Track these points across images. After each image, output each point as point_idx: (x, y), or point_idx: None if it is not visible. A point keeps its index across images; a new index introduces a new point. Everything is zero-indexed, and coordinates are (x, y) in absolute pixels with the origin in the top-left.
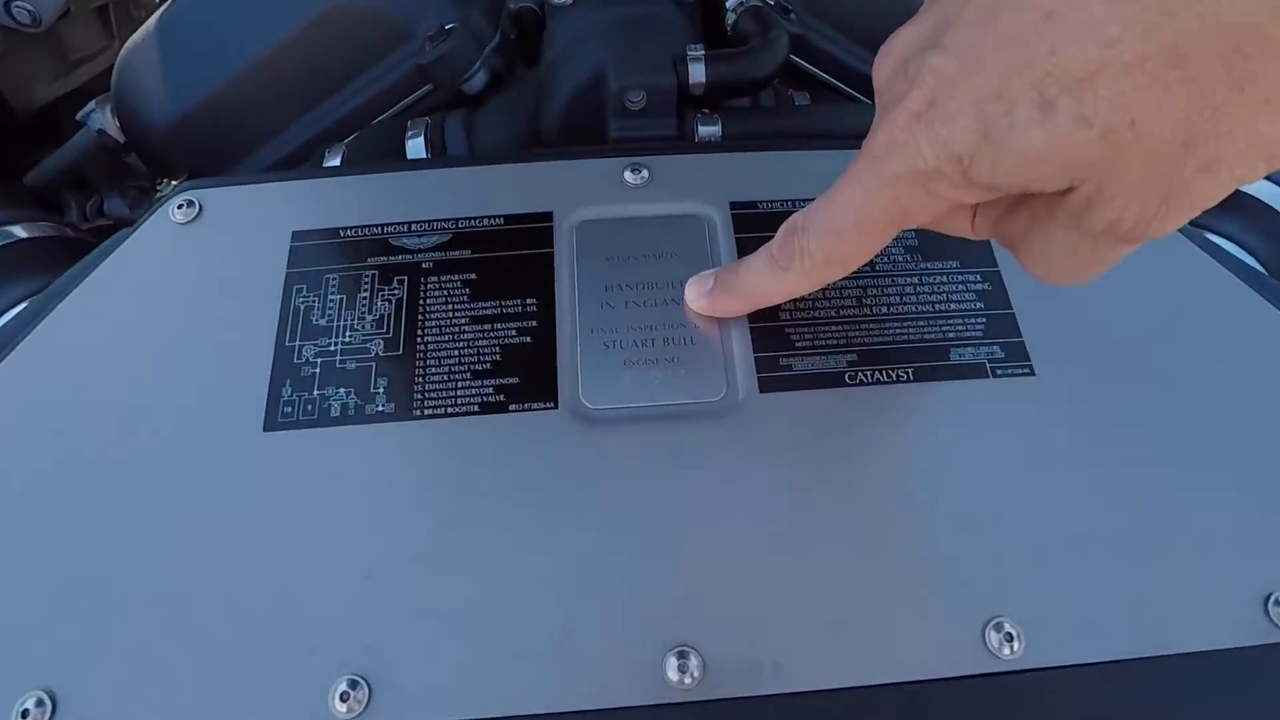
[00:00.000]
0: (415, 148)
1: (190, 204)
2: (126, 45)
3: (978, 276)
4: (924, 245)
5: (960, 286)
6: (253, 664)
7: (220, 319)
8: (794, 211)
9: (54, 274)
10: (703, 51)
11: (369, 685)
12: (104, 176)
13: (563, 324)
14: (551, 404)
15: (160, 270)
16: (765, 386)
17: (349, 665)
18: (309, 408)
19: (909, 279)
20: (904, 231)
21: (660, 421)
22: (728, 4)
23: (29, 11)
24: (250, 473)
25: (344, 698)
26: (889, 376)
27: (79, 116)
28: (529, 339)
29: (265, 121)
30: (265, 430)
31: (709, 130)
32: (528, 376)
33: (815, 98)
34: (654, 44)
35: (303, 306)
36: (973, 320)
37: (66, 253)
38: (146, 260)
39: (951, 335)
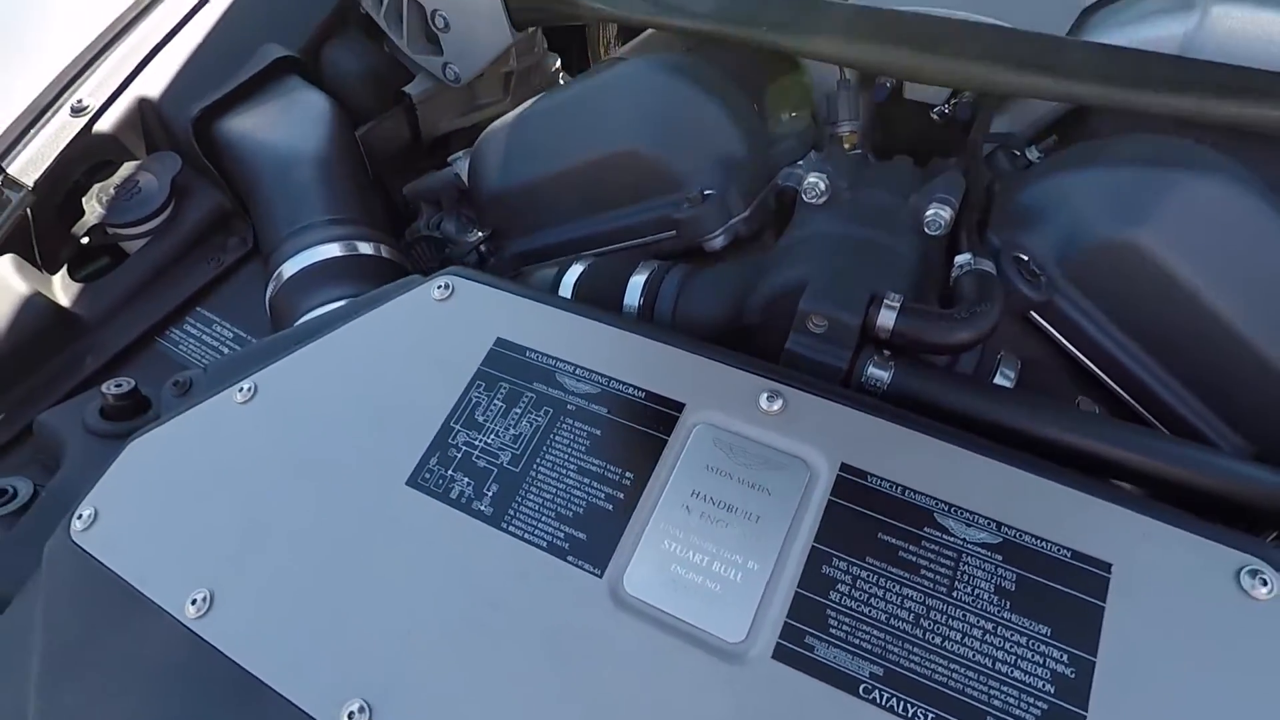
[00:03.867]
0: (634, 285)
1: (447, 286)
2: (491, 126)
3: (1065, 656)
4: (1020, 595)
5: (1037, 657)
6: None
7: (421, 386)
8: (898, 497)
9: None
10: (900, 302)
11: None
12: (450, 203)
13: (643, 508)
14: (599, 571)
15: (406, 332)
16: (780, 655)
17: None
18: (439, 482)
19: (982, 621)
20: (1002, 568)
21: (674, 636)
22: (958, 259)
23: (456, 73)
24: (379, 513)
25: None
26: (904, 712)
27: (449, 159)
28: (611, 507)
29: (549, 215)
30: (407, 484)
31: (877, 374)
32: (594, 538)
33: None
34: (865, 275)
35: (474, 400)
36: (1030, 700)
37: (388, 272)
38: (401, 322)
39: (996, 703)
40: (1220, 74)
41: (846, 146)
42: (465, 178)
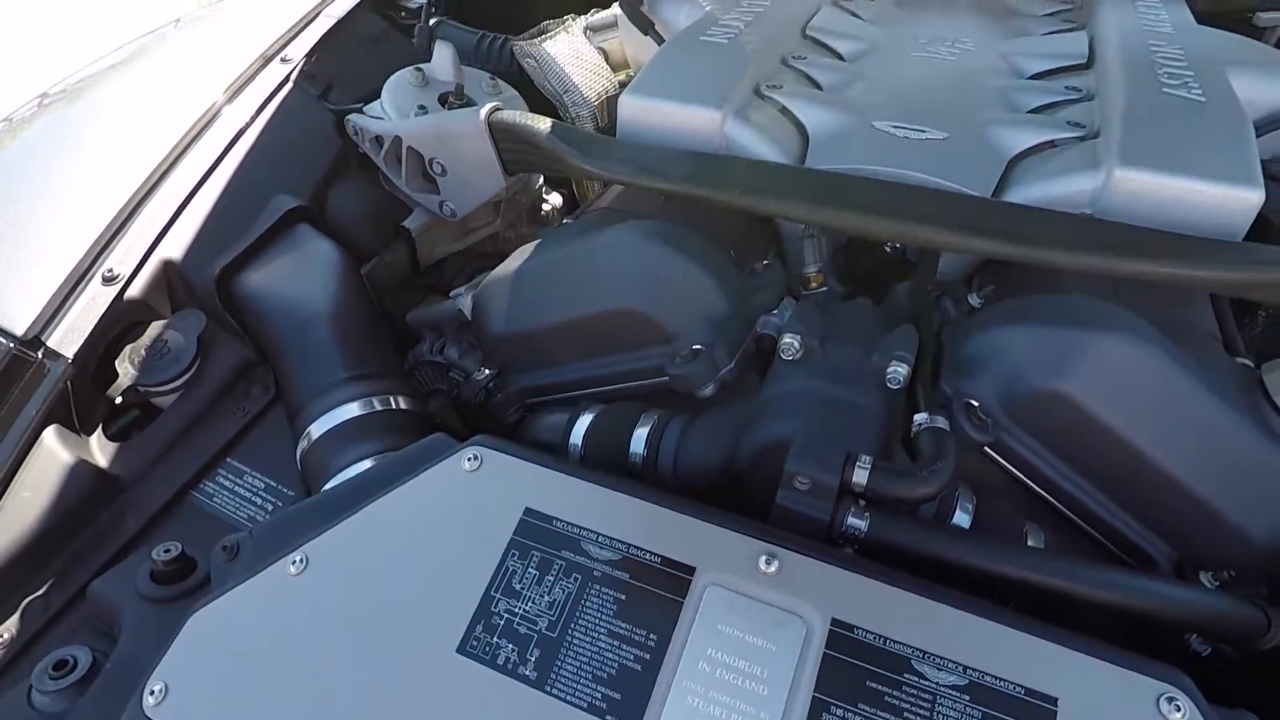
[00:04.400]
0: (639, 438)
1: (476, 458)
2: (492, 275)
3: None
4: None
5: None
6: None
7: (461, 556)
8: (881, 647)
9: (397, 441)
10: (870, 463)
11: None
12: (452, 332)
13: (667, 667)
14: None
15: (442, 503)
16: None
17: None
18: (487, 648)
19: None
20: (970, 706)
21: None
22: (916, 418)
23: (452, 209)
24: (436, 679)
25: None
26: None
27: (450, 294)
28: (640, 667)
29: (551, 358)
30: (457, 651)
31: (856, 524)
32: (626, 697)
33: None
34: (839, 435)
35: (511, 569)
36: None
37: (412, 427)
38: (437, 493)
39: None
40: (1121, 235)
41: (814, 285)
42: (467, 312)
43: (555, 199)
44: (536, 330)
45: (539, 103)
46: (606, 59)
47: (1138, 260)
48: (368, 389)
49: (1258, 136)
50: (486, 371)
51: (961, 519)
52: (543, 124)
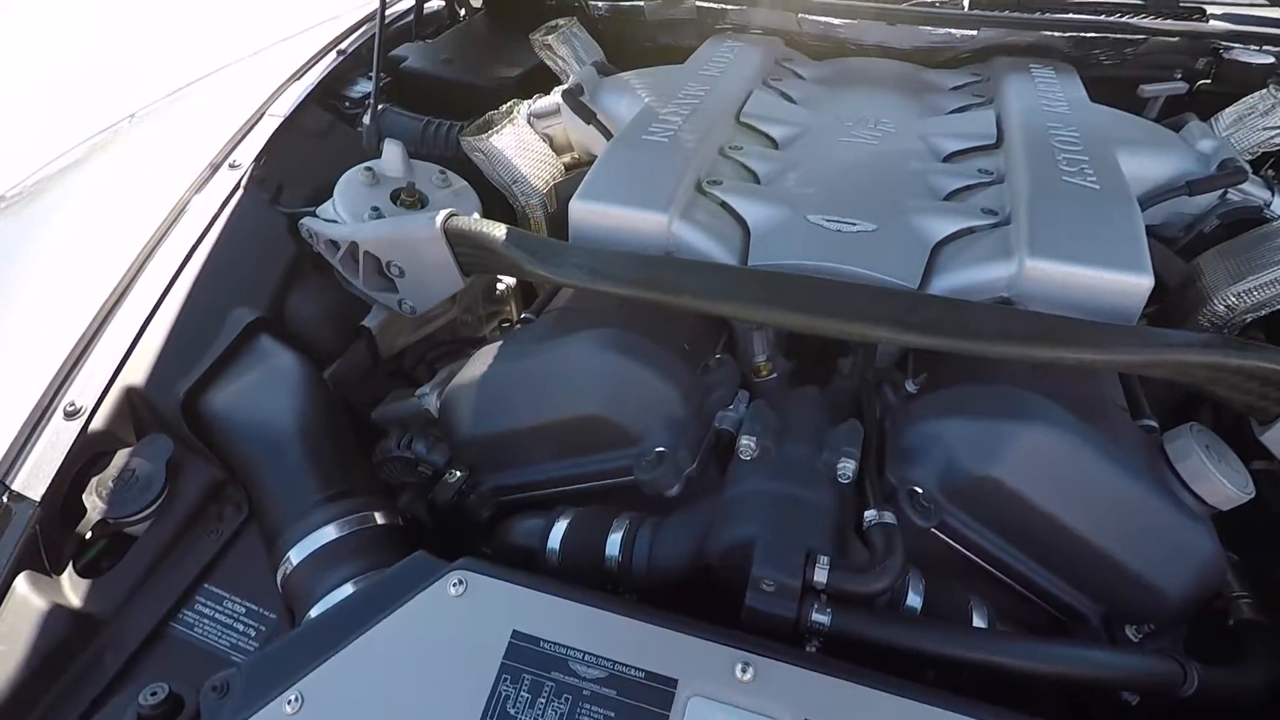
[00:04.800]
0: (613, 542)
1: (461, 583)
2: (460, 375)
3: None
4: None
5: None
6: None
7: (454, 684)
8: None
9: (377, 559)
10: (829, 562)
11: None
12: (419, 428)
13: None
14: None
15: (431, 631)
16: None
17: None
18: None
19: None
20: None
21: None
22: (866, 514)
23: (412, 307)
24: None
25: None
26: None
27: (417, 393)
28: None
29: (521, 458)
30: None
31: (819, 620)
32: None
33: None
34: (798, 534)
35: (504, 694)
36: None
37: (391, 542)
38: (426, 621)
39: None
40: (1034, 325)
41: (764, 373)
42: (432, 410)
43: (509, 278)
44: (505, 434)
45: (489, 190)
46: (552, 144)
47: (1049, 348)
48: (343, 509)
49: (1146, 208)
50: (459, 474)
51: (914, 601)
52: (498, 231)
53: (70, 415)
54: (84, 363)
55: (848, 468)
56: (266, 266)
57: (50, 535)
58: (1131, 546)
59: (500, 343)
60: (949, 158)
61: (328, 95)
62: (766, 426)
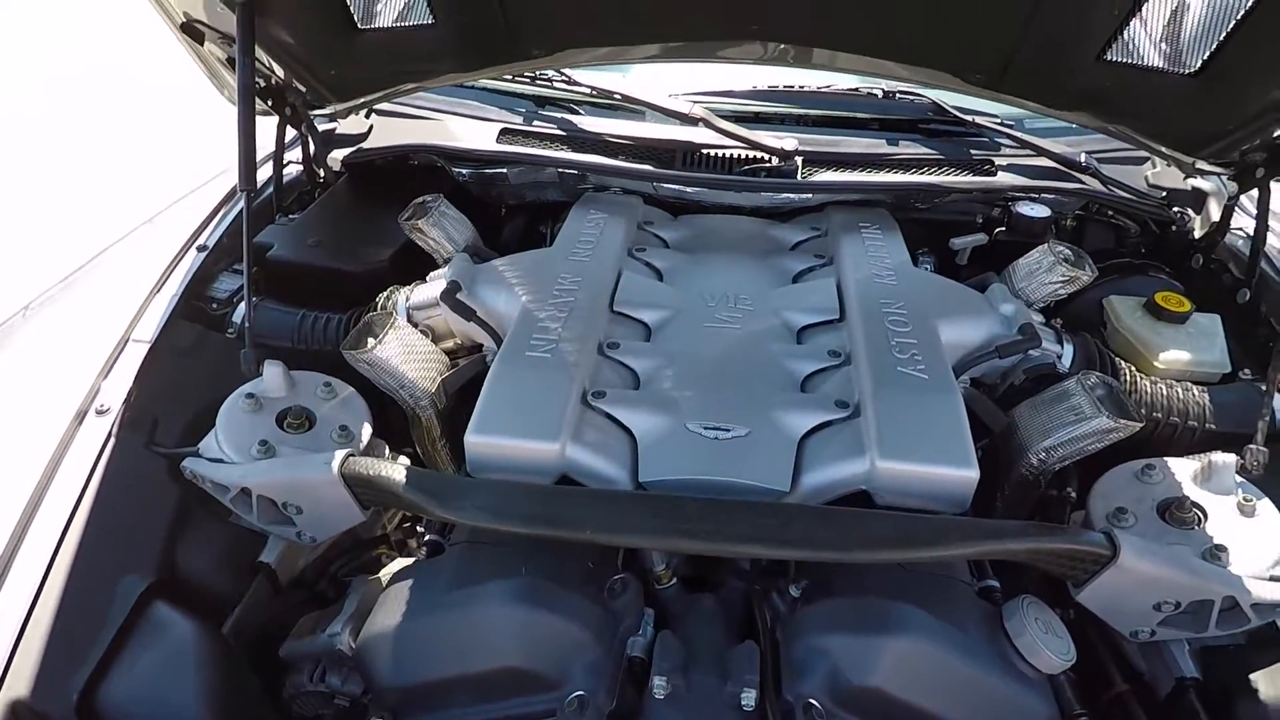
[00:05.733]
0: None
1: None
2: (375, 620)
3: None
4: None
5: None
6: None
7: None
8: None
9: None
10: None
11: None
12: (334, 665)
13: None
14: None
15: None
16: None
17: None
18: None
19: None
20: None
21: None
22: None
23: (311, 537)
24: None
25: None
26: None
27: (327, 632)
28: None
29: (444, 704)
30: None
31: None
32: None
33: None
34: None
35: None
36: None
37: None
38: None
39: None
40: (888, 529)
41: (664, 581)
42: (344, 648)
43: (403, 462)
44: (427, 683)
45: (376, 393)
46: (433, 335)
47: (903, 551)
48: None
49: (967, 369)
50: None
51: None
52: (397, 473)
53: None
54: None
55: (750, 697)
56: (151, 518)
57: None
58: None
59: (410, 584)
60: (801, 332)
61: (193, 299)
62: (674, 663)
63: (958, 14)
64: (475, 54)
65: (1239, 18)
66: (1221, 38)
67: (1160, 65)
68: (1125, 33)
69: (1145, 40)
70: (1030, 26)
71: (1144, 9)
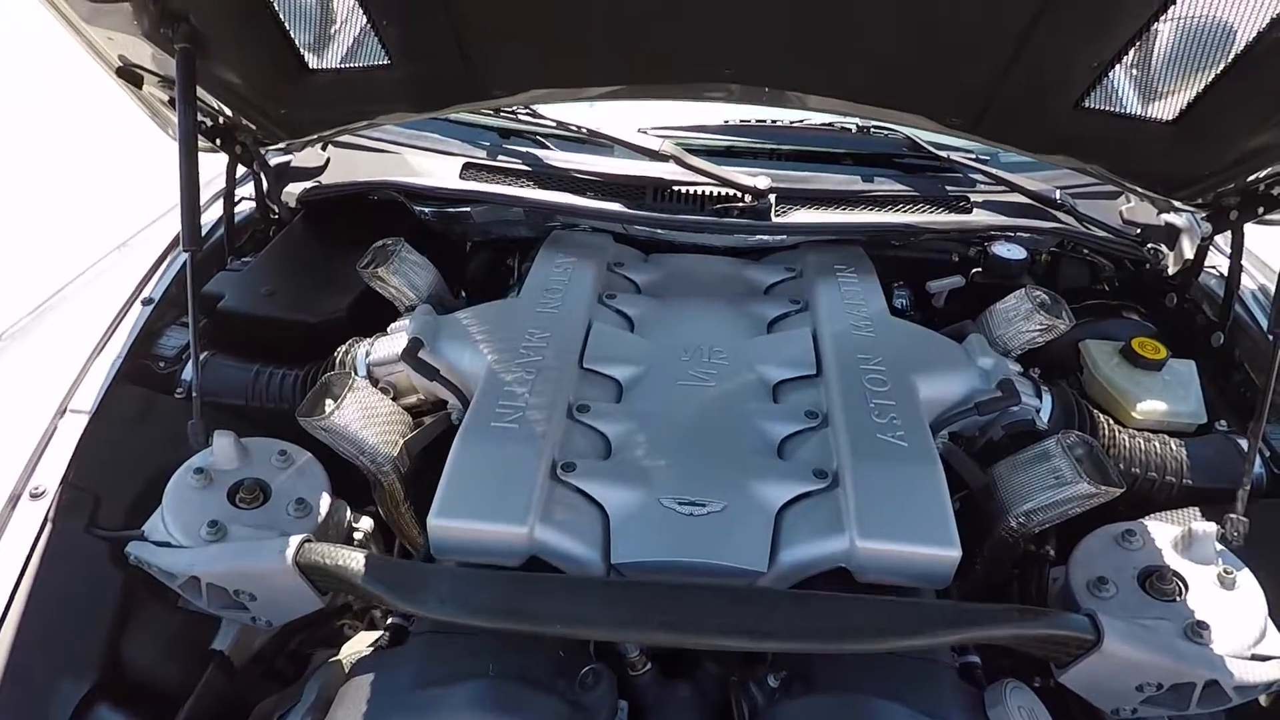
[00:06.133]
0: None
1: None
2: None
3: None
4: None
5: None
6: None
7: None
8: None
9: None
10: None
11: None
12: None
13: None
14: None
15: None
16: None
17: None
18: None
19: None
20: None
21: None
22: None
23: (267, 622)
24: None
25: None
26: None
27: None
28: None
29: None
30: None
31: None
32: None
33: None
34: None
35: None
36: None
37: None
38: None
39: None
40: (866, 618)
41: (639, 668)
42: None
43: (366, 524)
44: None
45: (336, 459)
46: (395, 391)
47: (884, 641)
48: None
49: (945, 424)
50: None
51: None
52: (356, 563)
53: None
54: None
55: None
56: (92, 610)
57: None
58: None
59: (372, 680)
60: (778, 387)
61: (138, 358)
62: None
63: (937, 60)
64: (434, 94)
65: (1218, 70)
66: (1200, 89)
67: (1138, 113)
68: (1104, 81)
69: (1124, 88)
70: (1009, 74)
71: (1123, 60)
